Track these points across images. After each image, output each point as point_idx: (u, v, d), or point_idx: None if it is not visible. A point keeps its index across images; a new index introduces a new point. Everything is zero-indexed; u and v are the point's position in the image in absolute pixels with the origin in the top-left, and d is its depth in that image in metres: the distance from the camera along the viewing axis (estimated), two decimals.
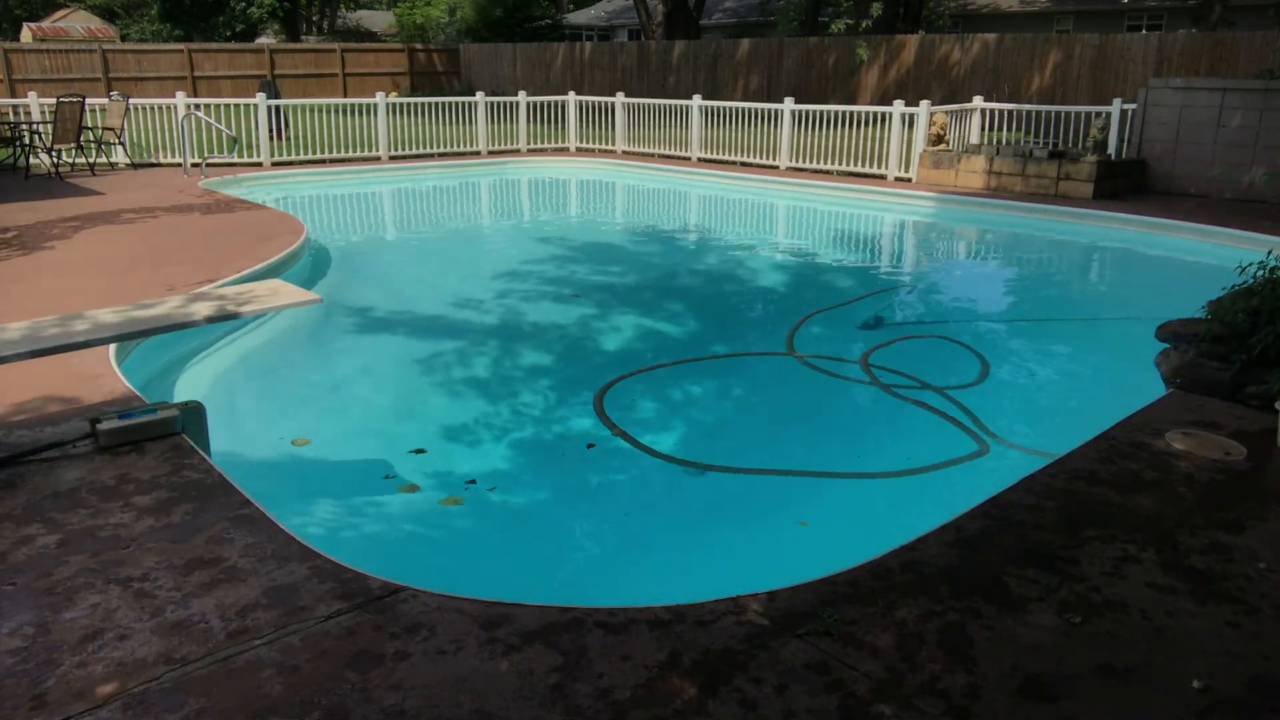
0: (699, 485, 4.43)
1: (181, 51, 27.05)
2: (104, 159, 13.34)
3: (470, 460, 4.65)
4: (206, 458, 3.62)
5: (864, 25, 22.50)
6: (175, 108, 13.64)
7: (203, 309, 4.38)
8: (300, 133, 15.25)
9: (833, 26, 21.69)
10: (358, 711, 2.18)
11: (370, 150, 15.07)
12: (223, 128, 13.54)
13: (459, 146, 15.99)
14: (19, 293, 6.23)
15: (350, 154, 14.96)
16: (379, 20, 47.18)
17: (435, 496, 4.22)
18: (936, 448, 4.73)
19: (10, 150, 12.79)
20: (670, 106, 15.96)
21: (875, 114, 13.84)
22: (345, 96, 27.33)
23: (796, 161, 14.08)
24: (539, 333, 6.85)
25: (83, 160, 13.00)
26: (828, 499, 4.34)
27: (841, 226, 12.06)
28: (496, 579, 3.53)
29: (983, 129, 13.67)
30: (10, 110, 14.24)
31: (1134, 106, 11.88)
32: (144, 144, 14.10)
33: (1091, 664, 2.43)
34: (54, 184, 11.72)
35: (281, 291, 4.72)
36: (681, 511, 4.23)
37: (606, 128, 16.94)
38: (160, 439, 3.72)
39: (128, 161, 13.75)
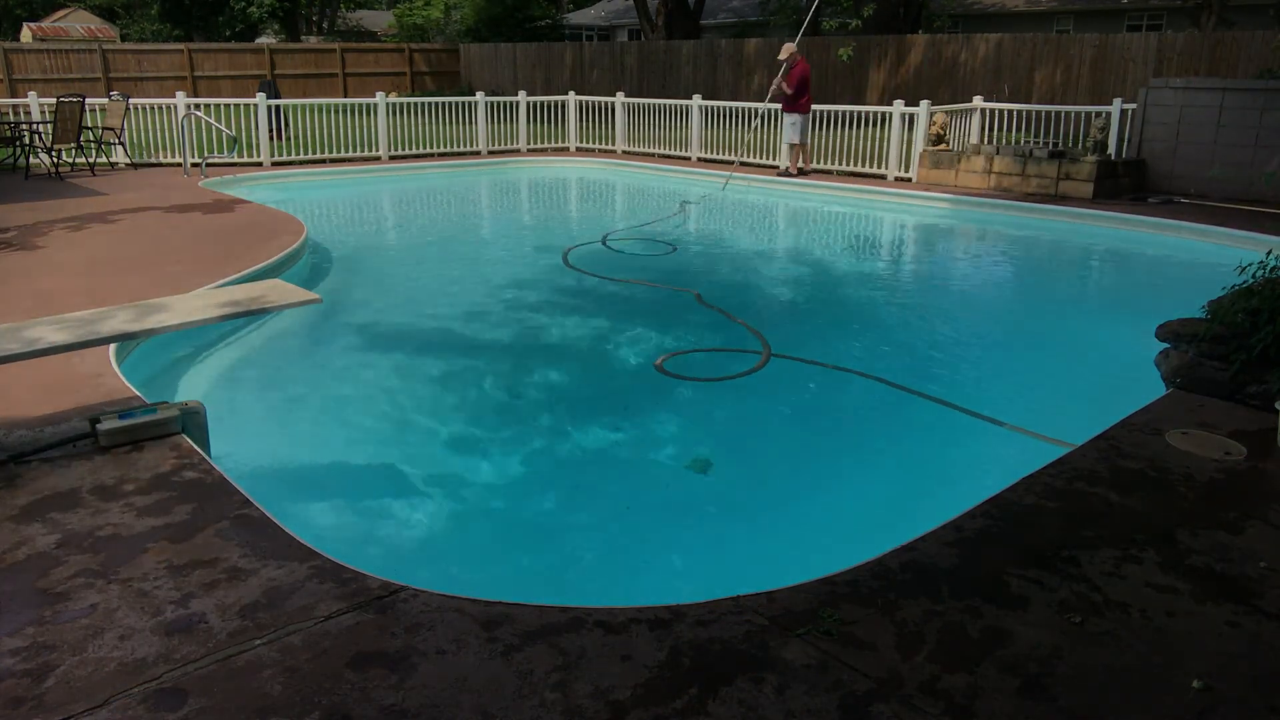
0: (700, 483, 4.43)
1: (181, 51, 27.05)
2: (104, 159, 13.33)
3: (470, 459, 4.66)
4: (206, 458, 3.62)
5: (854, 25, 22.38)
6: (175, 108, 13.64)
7: (203, 309, 4.38)
8: (300, 133, 15.25)
9: (824, 25, 21.49)
10: (358, 711, 2.18)
11: (370, 150, 15.07)
12: (222, 128, 13.53)
13: (459, 146, 16.00)
14: (18, 292, 6.23)
15: (350, 154, 14.96)
16: (379, 20, 47.18)
17: (433, 499, 4.23)
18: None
19: (10, 150, 12.78)
20: (670, 106, 15.95)
21: (875, 114, 13.83)
22: (345, 96, 27.34)
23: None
24: (539, 333, 6.85)
25: (83, 160, 12.99)
26: (826, 499, 4.35)
27: (839, 226, 12.05)
28: (496, 579, 3.53)
29: (983, 129, 13.66)
30: (10, 110, 14.25)
31: (1134, 106, 11.87)
32: (144, 144, 14.09)
33: (1091, 664, 2.43)
34: (54, 184, 11.72)
35: (282, 291, 4.72)
36: (681, 510, 4.23)
37: (606, 127, 16.93)
38: (160, 439, 3.72)
39: (128, 161, 13.74)
